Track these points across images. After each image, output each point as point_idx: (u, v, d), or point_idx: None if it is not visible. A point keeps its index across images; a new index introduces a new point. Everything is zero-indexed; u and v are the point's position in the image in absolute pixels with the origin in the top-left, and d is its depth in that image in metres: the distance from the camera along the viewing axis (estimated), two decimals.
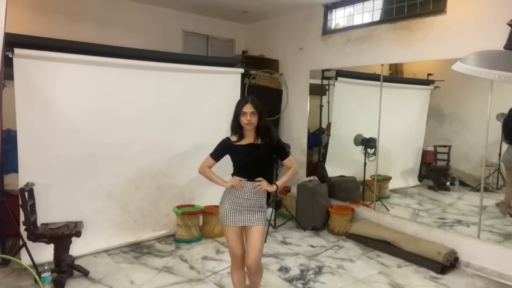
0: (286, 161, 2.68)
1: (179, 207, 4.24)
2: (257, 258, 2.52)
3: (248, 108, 2.43)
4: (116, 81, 3.86)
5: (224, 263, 3.62)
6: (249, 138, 2.51)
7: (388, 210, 4.51)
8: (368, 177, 4.73)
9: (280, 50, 5.56)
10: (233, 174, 2.58)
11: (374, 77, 4.51)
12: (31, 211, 3.18)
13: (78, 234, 3.18)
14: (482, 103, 3.55)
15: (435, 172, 4.69)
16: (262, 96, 5.22)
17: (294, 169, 2.67)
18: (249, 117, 2.41)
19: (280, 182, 2.63)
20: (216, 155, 2.59)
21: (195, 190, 4.47)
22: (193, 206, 4.36)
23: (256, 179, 2.50)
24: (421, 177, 4.87)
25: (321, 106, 5.19)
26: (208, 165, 2.60)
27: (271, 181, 2.60)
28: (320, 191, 4.67)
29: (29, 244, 3.19)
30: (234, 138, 2.53)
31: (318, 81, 5.11)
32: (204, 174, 2.61)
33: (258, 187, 2.49)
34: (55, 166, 3.53)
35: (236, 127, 2.50)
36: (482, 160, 3.64)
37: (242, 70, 4.84)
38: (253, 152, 2.49)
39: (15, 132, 3.40)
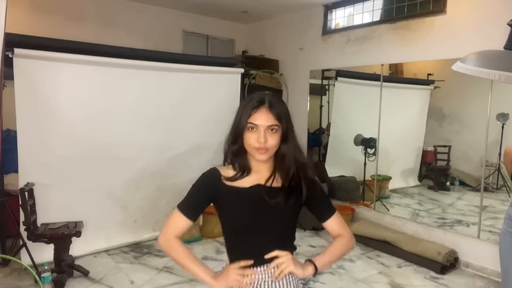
0: (332, 224, 1.37)
1: None
2: None
3: (263, 117, 1.22)
4: (116, 81, 3.85)
5: (224, 263, 3.62)
6: (258, 172, 1.30)
7: (388, 210, 4.51)
8: (368, 177, 4.73)
9: (280, 50, 5.56)
10: (228, 253, 1.37)
11: (374, 77, 4.51)
12: (31, 211, 3.18)
13: (78, 234, 3.18)
14: (482, 103, 3.55)
15: (435, 172, 4.70)
16: None
17: (347, 241, 1.37)
18: (264, 137, 1.21)
19: (323, 260, 1.32)
20: (193, 206, 1.31)
21: None
22: None
23: (271, 256, 1.25)
24: (421, 177, 4.88)
25: (321, 106, 5.19)
26: (178, 231, 1.29)
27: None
28: None
29: (29, 244, 3.19)
30: (228, 172, 1.31)
31: (318, 81, 5.12)
32: (171, 254, 1.30)
33: (277, 273, 1.25)
34: (55, 166, 3.53)
35: (236, 152, 1.29)
36: (482, 160, 3.65)
37: (242, 70, 4.84)
38: (265, 204, 1.26)
39: (15, 132, 3.40)
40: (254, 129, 1.24)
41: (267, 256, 1.26)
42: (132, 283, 3.22)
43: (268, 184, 1.29)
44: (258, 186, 1.29)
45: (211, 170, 1.33)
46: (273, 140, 1.24)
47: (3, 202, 3.33)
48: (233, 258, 1.33)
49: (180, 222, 1.30)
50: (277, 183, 1.30)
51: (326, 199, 1.41)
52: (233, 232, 1.34)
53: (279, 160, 1.30)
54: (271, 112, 1.24)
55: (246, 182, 1.29)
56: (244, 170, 1.30)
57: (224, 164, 1.35)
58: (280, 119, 1.25)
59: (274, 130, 1.24)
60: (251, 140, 1.23)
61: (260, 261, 1.28)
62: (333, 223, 1.38)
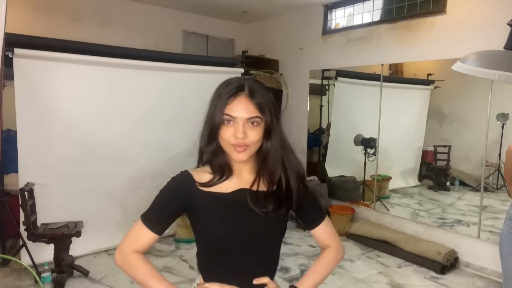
0: (320, 232, 1.21)
1: None
2: None
3: (242, 108, 1.03)
4: (116, 81, 3.86)
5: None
6: (240, 175, 1.12)
7: (388, 210, 4.51)
8: (368, 177, 4.73)
9: (280, 50, 5.55)
10: (203, 272, 1.15)
11: (374, 77, 4.51)
12: (31, 211, 3.18)
13: (78, 234, 3.18)
14: (482, 103, 3.55)
15: (435, 172, 4.70)
16: None
17: (336, 253, 1.23)
18: (242, 131, 1.02)
19: (308, 283, 1.15)
20: (160, 217, 1.10)
21: None
22: None
23: (260, 282, 1.10)
24: (421, 177, 4.88)
25: (321, 106, 5.19)
26: (138, 246, 1.11)
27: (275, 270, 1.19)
28: (320, 191, 4.67)
29: (29, 244, 3.19)
30: (203, 176, 1.11)
31: (318, 81, 5.12)
32: (128, 273, 1.12)
33: None
34: (55, 166, 3.53)
35: (215, 152, 1.10)
36: (482, 160, 3.65)
37: (242, 70, 4.84)
38: (252, 213, 1.08)
39: (15, 132, 3.40)
40: (231, 122, 1.03)
41: (256, 282, 1.09)
42: (132, 283, 3.21)
43: (254, 188, 1.09)
44: (242, 191, 1.09)
45: (182, 175, 1.12)
46: (254, 135, 1.03)
47: (3, 202, 3.33)
48: (209, 279, 1.11)
49: (143, 236, 1.08)
50: (263, 187, 1.10)
51: (317, 204, 1.22)
52: (211, 248, 1.10)
53: (261, 160, 1.10)
54: (251, 101, 1.03)
55: (227, 187, 1.09)
56: (224, 172, 1.09)
57: (198, 166, 1.15)
58: (262, 109, 1.03)
59: (255, 123, 1.03)
60: (227, 135, 1.03)
61: (245, 285, 1.08)
62: (322, 231, 1.20)
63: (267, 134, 1.07)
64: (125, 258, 1.10)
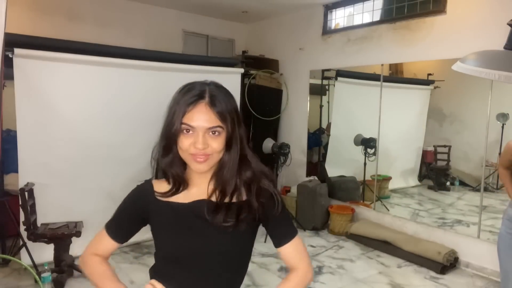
0: (288, 252, 1.08)
1: None
2: None
3: (202, 117, 0.97)
4: (116, 81, 3.86)
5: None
6: (199, 185, 1.06)
7: (388, 210, 4.51)
8: (368, 177, 4.73)
9: (280, 50, 5.55)
10: (152, 275, 1.08)
11: (374, 77, 4.51)
12: (31, 211, 3.18)
13: (78, 234, 3.18)
14: (482, 103, 3.55)
15: (435, 172, 4.70)
16: (262, 96, 5.24)
17: (302, 278, 1.07)
18: (202, 142, 0.96)
19: None
20: (119, 226, 1.13)
21: None
22: None
23: None
24: (421, 177, 4.88)
25: (321, 106, 5.19)
26: (97, 251, 1.12)
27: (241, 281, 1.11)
28: (320, 191, 4.67)
29: (29, 244, 3.19)
30: (162, 186, 1.07)
31: (318, 81, 5.12)
32: (86, 273, 1.11)
33: None
34: (55, 166, 3.53)
35: (171, 163, 1.05)
36: (482, 160, 3.65)
37: (242, 70, 4.85)
38: (210, 226, 1.01)
39: (15, 132, 3.41)
40: (190, 132, 0.97)
41: None
42: (132, 283, 3.22)
43: (213, 199, 1.03)
44: (200, 202, 1.03)
45: (144, 183, 1.11)
46: (216, 145, 0.97)
47: (3, 202, 3.33)
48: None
49: (103, 243, 1.11)
50: (222, 199, 1.03)
51: (287, 219, 1.10)
52: (166, 258, 1.06)
53: (217, 170, 1.04)
54: (212, 109, 0.96)
55: (185, 197, 1.04)
56: (180, 183, 1.04)
57: (156, 176, 1.10)
58: (224, 119, 0.97)
59: (216, 133, 0.97)
60: (186, 144, 0.97)
61: None
62: (290, 251, 1.07)
63: (228, 144, 1.00)
64: (84, 259, 1.13)
